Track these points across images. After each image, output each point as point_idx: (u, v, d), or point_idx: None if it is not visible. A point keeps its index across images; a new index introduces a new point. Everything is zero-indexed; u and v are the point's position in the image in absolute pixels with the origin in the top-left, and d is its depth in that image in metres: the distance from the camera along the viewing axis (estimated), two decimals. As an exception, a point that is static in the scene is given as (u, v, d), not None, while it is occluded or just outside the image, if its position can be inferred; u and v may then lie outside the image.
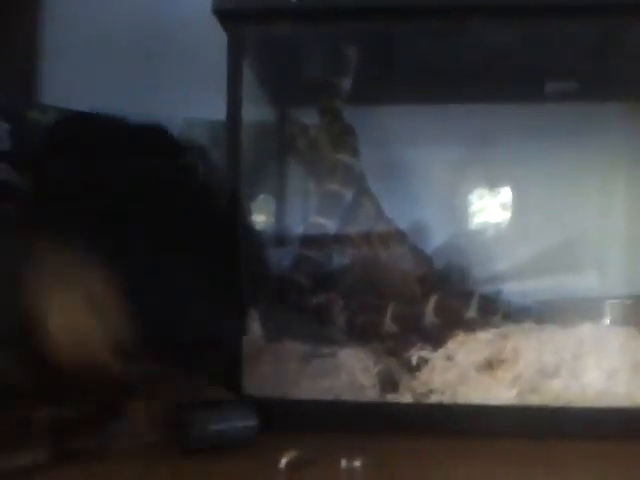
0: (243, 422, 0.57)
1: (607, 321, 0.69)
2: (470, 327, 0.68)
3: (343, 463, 0.53)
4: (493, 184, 0.97)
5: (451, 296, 0.71)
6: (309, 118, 0.88)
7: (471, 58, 0.83)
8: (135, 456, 0.56)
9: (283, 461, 0.53)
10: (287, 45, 0.79)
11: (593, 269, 0.87)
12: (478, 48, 0.81)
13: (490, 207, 0.98)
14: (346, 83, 0.84)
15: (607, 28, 0.76)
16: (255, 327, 0.68)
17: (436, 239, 0.89)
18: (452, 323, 0.68)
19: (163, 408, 0.58)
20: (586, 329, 0.67)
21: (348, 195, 0.80)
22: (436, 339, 0.68)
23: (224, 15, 0.70)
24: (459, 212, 0.97)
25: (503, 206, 0.97)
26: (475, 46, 0.80)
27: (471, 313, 0.69)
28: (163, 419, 0.57)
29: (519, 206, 0.97)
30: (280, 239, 0.88)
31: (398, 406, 0.66)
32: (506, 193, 0.97)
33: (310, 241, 0.79)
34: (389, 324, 0.69)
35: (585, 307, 0.72)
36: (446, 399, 0.65)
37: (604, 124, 0.95)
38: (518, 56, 0.83)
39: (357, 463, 0.53)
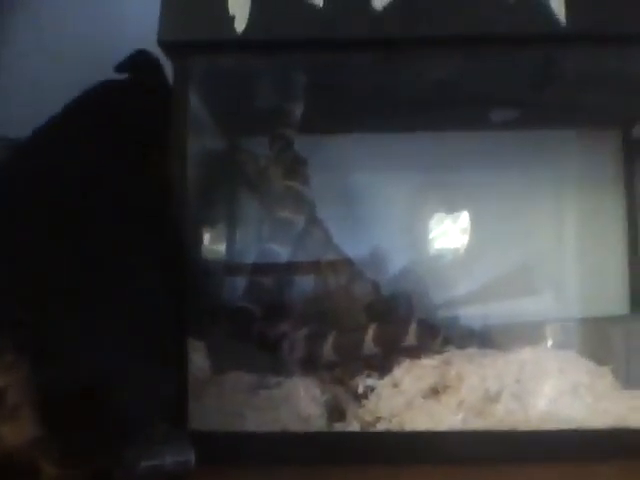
0: (178, 457, 0.56)
1: (547, 344, 0.71)
2: (415, 354, 0.69)
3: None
4: (447, 210, 0.99)
5: (390, 324, 0.72)
6: (260, 148, 0.89)
7: (419, 88, 0.85)
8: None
9: (226, 497, 0.52)
10: (235, 75, 0.79)
11: (546, 292, 0.90)
12: (425, 78, 0.83)
13: (444, 233, 0.99)
14: (297, 111, 0.85)
15: (545, 58, 0.79)
16: (200, 360, 0.67)
17: (393, 265, 0.91)
18: (391, 351, 0.69)
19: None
20: (527, 353, 0.68)
21: (300, 222, 0.81)
22: (382, 367, 0.68)
23: (169, 47, 0.70)
24: (414, 238, 0.99)
25: (457, 232, 0.99)
26: (422, 76, 0.82)
27: (410, 340, 0.70)
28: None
29: (473, 231, 0.99)
30: (230, 267, 0.88)
31: (346, 435, 0.66)
32: (459, 219, 0.99)
33: (261, 268, 0.79)
34: (329, 353, 0.69)
35: (526, 331, 0.73)
36: (393, 426, 0.66)
37: (551, 150, 0.98)
38: (463, 86, 0.85)
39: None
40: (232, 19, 0.69)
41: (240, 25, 0.69)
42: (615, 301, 0.93)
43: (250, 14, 0.69)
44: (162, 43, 0.70)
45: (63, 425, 0.52)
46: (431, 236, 0.99)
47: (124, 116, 0.71)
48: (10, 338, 0.54)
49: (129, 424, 0.55)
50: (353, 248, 0.86)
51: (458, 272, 0.95)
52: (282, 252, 0.77)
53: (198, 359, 0.67)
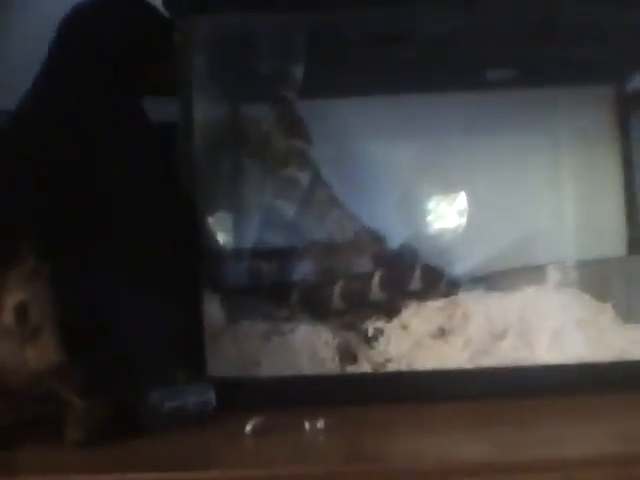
0: (199, 398, 0.59)
1: (550, 284, 0.73)
2: (421, 297, 0.71)
3: (307, 426, 0.56)
4: (445, 172, 1.01)
5: (394, 269, 0.74)
6: (263, 113, 0.90)
7: (415, 45, 0.86)
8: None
9: (248, 427, 0.55)
10: (236, 39, 0.81)
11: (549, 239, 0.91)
12: (423, 35, 0.84)
13: (444, 194, 1.01)
14: (297, 72, 0.86)
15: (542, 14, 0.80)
16: (216, 310, 0.70)
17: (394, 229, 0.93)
18: (397, 295, 0.71)
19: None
20: (530, 293, 0.71)
21: (305, 178, 0.83)
22: (390, 310, 0.70)
23: (174, 6, 0.72)
24: (413, 202, 1.00)
25: (457, 190, 1.01)
26: (419, 33, 0.83)
27: (415, 284, 0.72)
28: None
29: (473, 189, 1.00)
30: (239, 228, 0.90)
31: (358, 376, 0.68)
32: (458, 178, 1.01)
33: (269, 225, 0.81)
34: (337, 301, 0.71)
35: (529, 273, 0.75)
36: (403, 367, 0.68)
37: (546, 109, 1.00)
38: (460, 42, 0.86)
39: (320, 425, 0.55)
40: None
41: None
42: (613, 245, 0.95)
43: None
44: (166, 3, 0.71)
45: (83, 352, 0.54)
46: (431, 199, 1.00)
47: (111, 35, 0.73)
48: (32, 244, 0.55)
49: (142, 358, 0.57)
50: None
51: (460, 230, 0.97)
52: (288, 209, 0.79)
53: (214, 309, 0.69)
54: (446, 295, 0.72)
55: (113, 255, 0.61)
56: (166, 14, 0.74)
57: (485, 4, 0.74)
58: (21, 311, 0.53)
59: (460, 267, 0.83)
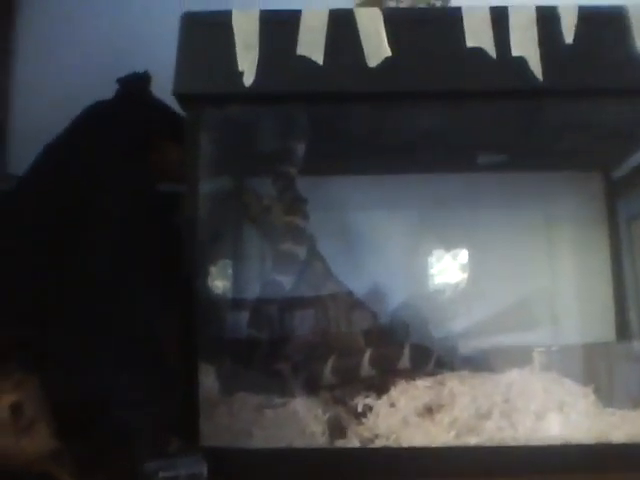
0: (191, 469, 0.61)
1: (534, 368, 0.76)
2: (409, 376, 0.74)
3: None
4: (439, 249, 1.05)
5: (385, 348, 0.76)
6: (264, 188, 0.95)
7: (410, 137, 0.92)
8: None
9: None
10: (242, 122, 0.86)
11: (538, 323, 0.94)
12: (417, 127, 0.90)
13: (437, 270, 1.05)
14: (298, 151, 0.91)
15: (528, 108, 0.86)
16: (211, 382, 0.72)
17: (390, 299, 0.96)
18: (387, 372, 0.73)
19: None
20: (515, 375, 0.73)
21: (301, 254, 0.86)
22: (379, 387, 0.73)
23: (183, 98, 0.77)
24: (409, 275, 1.04)
25: (449, 269, 1.04)
26: (414, 126, 0.89)
27: (404, 363, 0.75)
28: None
29: (465, 268, 1.04)
30: (237, 297, 0.94)
31: (347, 451, 0.70)
32: (452, 257, 1.05)
33: (266, 298, 0.84)
34: (329, 376, 0.74)
35: (514, 355, 0.78)
36: (391, 443, 0.70)
37: (538, 191, 1.04)
38: (450, 134, 0.92)
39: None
40: (241, 74, 0.76)
41: (248, 79, 0.76)
42: (601, 330, 0.98)
43: (257, 69, 0.76)
44: (177, 95, 0.77)
45: (75, 438, 0.57)
46: (425, 272, 1.04)
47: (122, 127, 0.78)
48: (16, 359, 0.59)
49: (133, 436, 0.60)
50: (352, 283, 0.91)
51: (452, 307, 1.01)
52: (285, 282, 0.83)
53: (208, 381, 0.72)
54: (434, 374, 0.75)
55: (106, 333, 0.64)
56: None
57: (471, 103, 0.79)
58: (16, 409, 0.57)
59: (446, 343, 0.86)
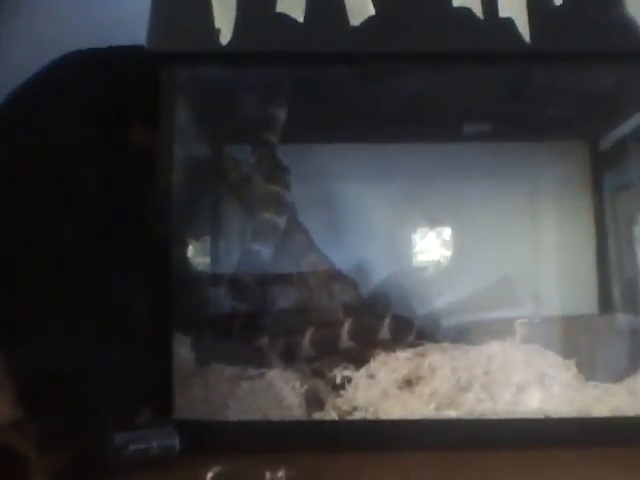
0: (163, 441, 0.59)
1: (516, 339, 0.74)
2: (390, 347, 0.72)
3: (268, 476, 0.56)
4: (422, 220, 1.03)
5: (364, 319, 0.75)
6: (244, 154, 0.92)
7: (393, 101, 0.89)
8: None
9: (209, 476, 0.55)
10: (220, 84, 0.83)
11: (520, 295, 0.93)
12: (399, 92, 0.87)
13: (421, 241, 1.03)
14: (280, 117, 0.88)
15: (515, 73, 0.83)
16: (185, 352, 0.70)
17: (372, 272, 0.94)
18: (366, 344, 0.72)
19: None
20: (495, 347, 0.72)
21: (281, 223, 0.84)
22: (358, 359, 0.71)
23: (156, 57, 0.74)
24: (391, 246, 1.02)
25: (433, 240, 1.03)
26: (397, 90, 0.86)
27: (384, 334, 0.73)
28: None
29: (448, 239, 1.03)
30: (215, 267, 0.91)
31: (324, 423, 0.69)
32: (434, 228, 1.03)
33: (245, 267, 0.82)
34: (307, 348, 0.72)
35: (496, 327, 0.77)
36: (369, 415, 0.69)
37: (522, 162, 1.03)
38: (435, 100, 0.89)
39: (280, 474, 0.56)
40: (217, 32, 0.72)
41: (225, 38, 0.73)
42: (584, 302, 0.98)
43: (234, 27, 0.73)
44: (150, 53, 0.73)
45: (40, 408, 0.55)
46: (407, 244, 1.03)
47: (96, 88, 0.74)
48: None
49: (100, 408, 0.58)
50: (333, 253, 0.89)
51: (434, 279, 0.99)
52: (264, 252, 0.81)
53: (183, 352, 0.70)
54: (414, 346, 0.73)
55: (75, 304, 0.61)
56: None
57: (456, 67, 0.76)
58: None
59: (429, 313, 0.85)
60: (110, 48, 0.81)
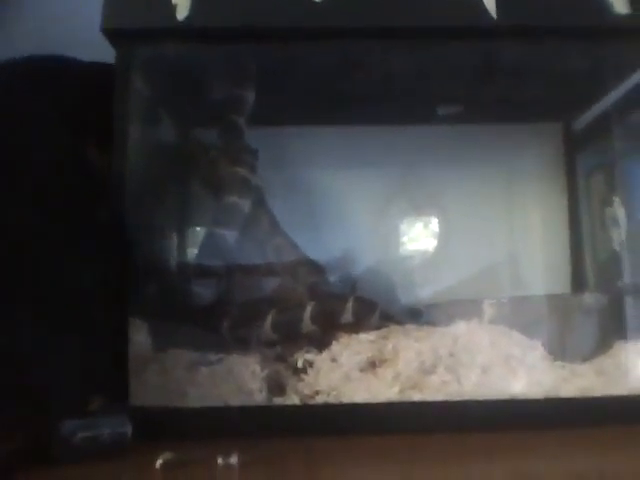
0: (115, 428, 0.58)
1: (482, 320, 0.73)
2: (353, 330, 0.71)
3: (220, 461, 0.55)
4: (395, 202, 1.02)
5: (327, 301, 0.73)
6: (211, 137, 0.90)
7: (359, 79, 0.87)
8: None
9: (159, 462, 0.54)
10: (183, 64, 0.80)
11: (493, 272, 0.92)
12: (365, 70, 0.85)
13: (394, 224, 1.02)
14: (247, 99, 0.86)
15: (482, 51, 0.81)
16: (142, 338, 0.68)
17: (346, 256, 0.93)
18: (329, 327, 0.70)
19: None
20: (461, 327, 0.71)
21: (246, 206, 0.82)
22: (321, 342, 0.70)
23: (111, 34, 0.72)
24: (366, 230, 1.01)
25: (406, 222, 1.02)
26: (362, 68, 0.84)
27: (347, 317, 0.72)
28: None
29: (421, 220, 1.02)
30: (175, 252, 0.89)
31: (285, 408, 0.67)
32: (407, 210, 1.02)
33: (207, 251, 0.80)
34: (268, 332, 0.71)
35: (463, 308, 0.76)
36: (332, 399, 0.67)
37: (496, 144, 1.01)
38: (403, 79, 0.88)
39: (233, 461, 0.54)
40: (174, 7, 0.70)
41: (181, 13, 0.71)
42: (558, 283, 0.97)
43: (192, 3, 0.71)
44: (105, 31, 0.71)
45: None
46: (383, 228, 1.01)
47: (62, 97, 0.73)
48: None
49: (50, 394, 0.56)
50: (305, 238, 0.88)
51: (408, 261, 0.98)
52: (228, 236, 0.79)
53: (140, 337, 0.68)
54: (378, 328, 0.72)
55: (25, 287, 0.59)
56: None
57: (422, 43, 0.74)
58: None
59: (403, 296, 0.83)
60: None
